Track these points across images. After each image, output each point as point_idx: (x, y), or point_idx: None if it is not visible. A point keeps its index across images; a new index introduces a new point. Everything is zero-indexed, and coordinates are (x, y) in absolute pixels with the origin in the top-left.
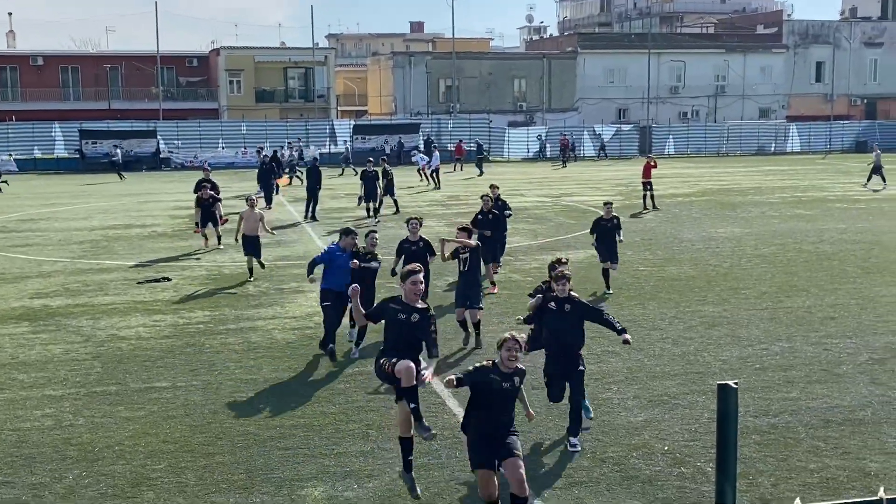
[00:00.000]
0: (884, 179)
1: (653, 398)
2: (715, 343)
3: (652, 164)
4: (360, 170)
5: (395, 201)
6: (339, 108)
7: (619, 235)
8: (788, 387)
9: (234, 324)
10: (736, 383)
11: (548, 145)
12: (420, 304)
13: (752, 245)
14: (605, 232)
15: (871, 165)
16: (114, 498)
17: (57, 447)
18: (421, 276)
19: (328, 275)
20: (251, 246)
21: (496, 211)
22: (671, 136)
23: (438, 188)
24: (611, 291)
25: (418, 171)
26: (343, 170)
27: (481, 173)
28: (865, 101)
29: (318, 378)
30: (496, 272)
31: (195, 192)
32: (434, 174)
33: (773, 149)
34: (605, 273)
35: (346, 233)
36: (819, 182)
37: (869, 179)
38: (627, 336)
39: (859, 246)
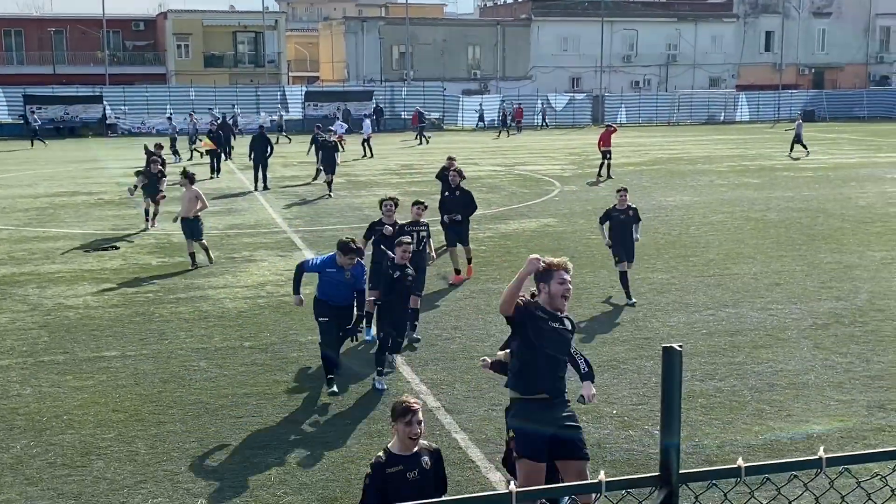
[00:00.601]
0: (792, 149)
1: (602, 363)
2: (663, 309)
3: (612, 128)
4: (283, 137)
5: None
6: (290, 74)
7: (637, 232)
8: (734, 351)
9: (184, 293)
10: (680, 346)
11: (504, 112)
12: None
13: (701, 213)
14: (618, 225)
15: (794, 134)
16: (63, 467)
17: (4, 417)
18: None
19: (324, 285)
20: (186, 228)
21: (464, 188)
22: (623, 106)
23: (371, 156)
24: (633, 301)
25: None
26: (289, 138)
27: (427, 142)
28: (813, 70)
29: (270, 347)
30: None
31: (147, 155)
32: (365, 143)
33: (722, 118)
34: (623, 277)
35: (346, 249)
36: (767, 151)
37: (804, 148)
38: (589, 391)
39: (805, 214)
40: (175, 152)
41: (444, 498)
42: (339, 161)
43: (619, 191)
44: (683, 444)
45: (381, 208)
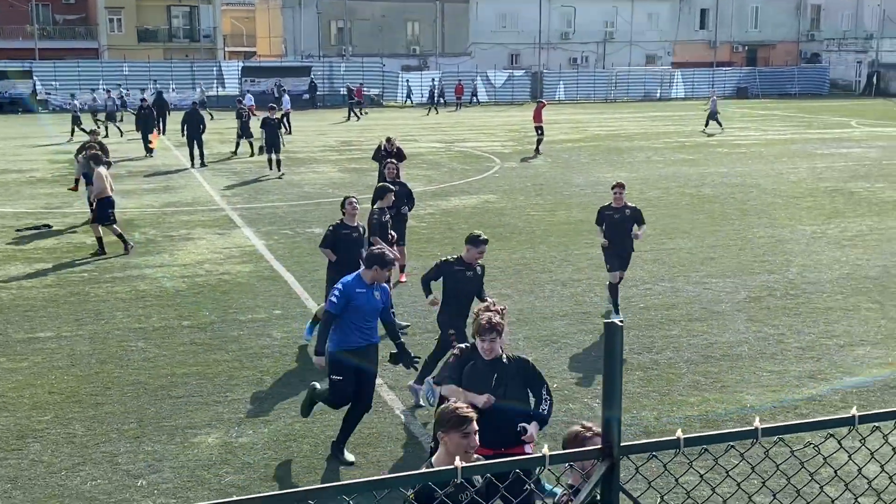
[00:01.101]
0: (720, 124)
1: (542, 338)
2: (602, 284)
3: (542, 104)
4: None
5: (252, 143)
6: (226, 49)
7: (638, 230)
8: (670, 325)
9: (120, 272)
10: (621, 321)
11: (433, 89)
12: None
13: (638, 189)
14: (613, 225)
15: (707, 111)
16: None
17: None
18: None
19: (343, 328)
20: (98, 211)
21: (402, 181)
22: (562, 82)
23: (289, 133)
24: (622, 318)
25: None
26: (211, 115)
27: (357, 118)
28: (747, 48)
29: (209, 326)
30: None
31: (80, 152)
32: (285, 119)
33: (658, 95)
34: (612, 288)
35: (381, 262)
36: (702, 127)
37: (706, 125)
38: (530, 430)
39: (739, 189)
40: (82, 130)
41: (395, 475)
42: (283, 138)
43: (614, 187)
44: (622, 417)
45: (343, 208)
